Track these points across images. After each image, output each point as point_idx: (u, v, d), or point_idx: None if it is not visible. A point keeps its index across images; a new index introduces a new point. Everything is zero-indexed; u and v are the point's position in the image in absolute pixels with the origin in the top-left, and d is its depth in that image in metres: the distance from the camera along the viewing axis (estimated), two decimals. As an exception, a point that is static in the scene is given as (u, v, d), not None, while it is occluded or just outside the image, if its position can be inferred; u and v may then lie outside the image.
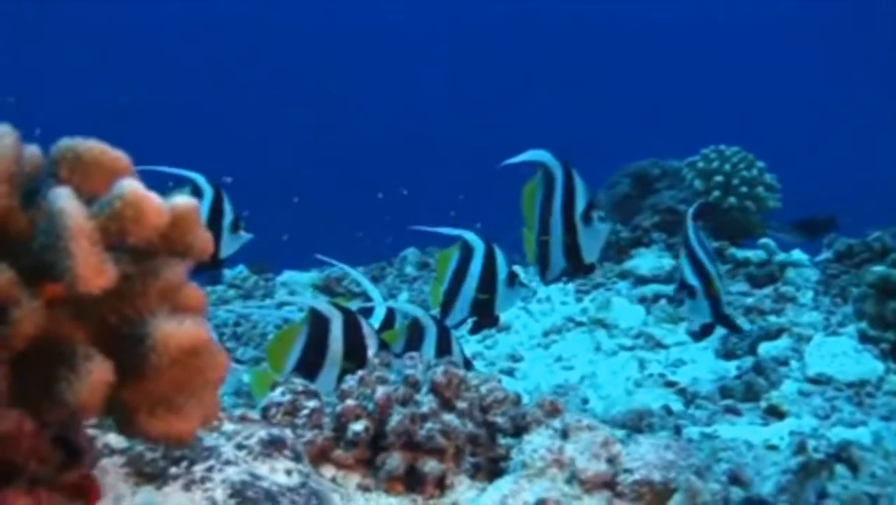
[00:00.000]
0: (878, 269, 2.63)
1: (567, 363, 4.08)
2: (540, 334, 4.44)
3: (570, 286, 5.00)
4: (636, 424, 2.79)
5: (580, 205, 2.46)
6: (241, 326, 4.63)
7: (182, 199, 0.77)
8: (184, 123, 11.71)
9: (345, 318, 2.07)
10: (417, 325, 2.35)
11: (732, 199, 5.33)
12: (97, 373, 0.66)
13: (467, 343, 4.50)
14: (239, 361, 4.19)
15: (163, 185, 2.59)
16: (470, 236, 2.58)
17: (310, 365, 2.07)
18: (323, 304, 2.15)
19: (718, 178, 5.33)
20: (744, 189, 5.34)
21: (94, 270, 0.65)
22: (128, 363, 0.69)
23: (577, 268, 2.56)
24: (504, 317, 4.63)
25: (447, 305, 2.60)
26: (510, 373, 4.03)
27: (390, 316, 2.54)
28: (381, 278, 5.55)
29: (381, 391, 1.48)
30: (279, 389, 1.52)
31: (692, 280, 2.61)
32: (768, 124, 11.40)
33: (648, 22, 13.88)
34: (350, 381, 1.54)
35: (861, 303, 2.63)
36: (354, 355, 2.04)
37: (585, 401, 3.36)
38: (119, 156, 0.73)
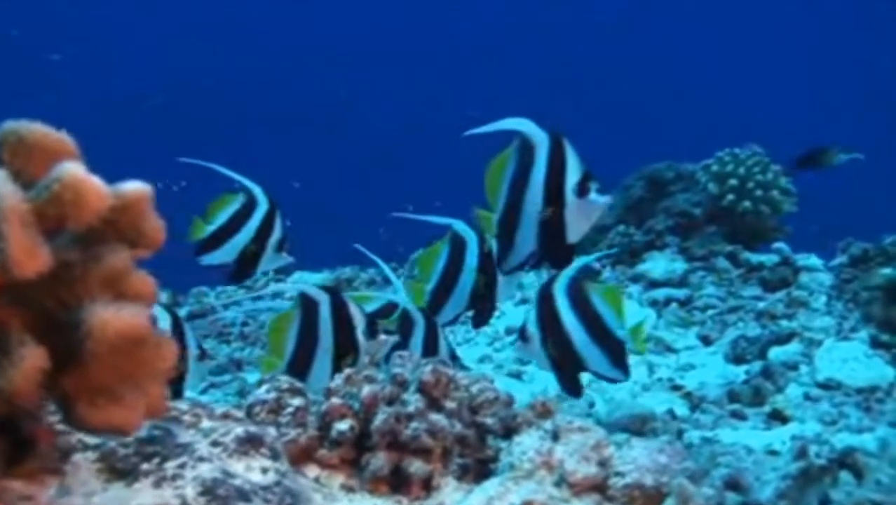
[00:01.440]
0: (886, 271, 2.58)
1: (575, 367, 4.03)
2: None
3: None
4: (639, 428, 2.76)
5: (573, 176, 2.04)
6: (249, 326, 4.62)
7: (133, 185, 0.74)
8: (187, 125, 11.75)
9: (332, 299, 2.15)
10: (407, 317, 2.32)
11: (747, 203, 5.27)
12: (30, 359, 0.64)
13: (476, 346, 4.48)
14: (237, 363, 4.17)
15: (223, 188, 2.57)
16: (460, 226, 2.47)
17: (305, 346, 2.15)
18: (311, 287, 2.20)
19: (733, 182, 5.27)
20: (759, 193, 5.28)
21: (26, 254, 0.62)
22: (66, 351, 0.67)
23: (552, 250, 2.12)
24: (514, 320, 4.61)
25: (437, 303, 2.52)
26: (518, 376, 3.99)
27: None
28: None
29: (367, 390, 1.46)
30: (264, 387, 1.50)
31: (532, 327, 2.43)
32: (785, 127, 11.33)
33: (666, 22, 13.82)
34: (337, 379, 1.51)
35: (868, 306, 2.58)
36: (344, 334, 2.11)
37: (591, 404, 3.33)
38: (62, 138, 0.70)
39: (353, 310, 2.18)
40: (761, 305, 4.50)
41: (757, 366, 3.59)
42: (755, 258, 5.07)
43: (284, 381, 1.50)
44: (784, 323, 4.18)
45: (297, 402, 1.47)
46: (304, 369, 2.19)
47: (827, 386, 3.32)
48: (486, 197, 2.18)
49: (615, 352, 2.41)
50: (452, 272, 2.53)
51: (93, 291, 0.67)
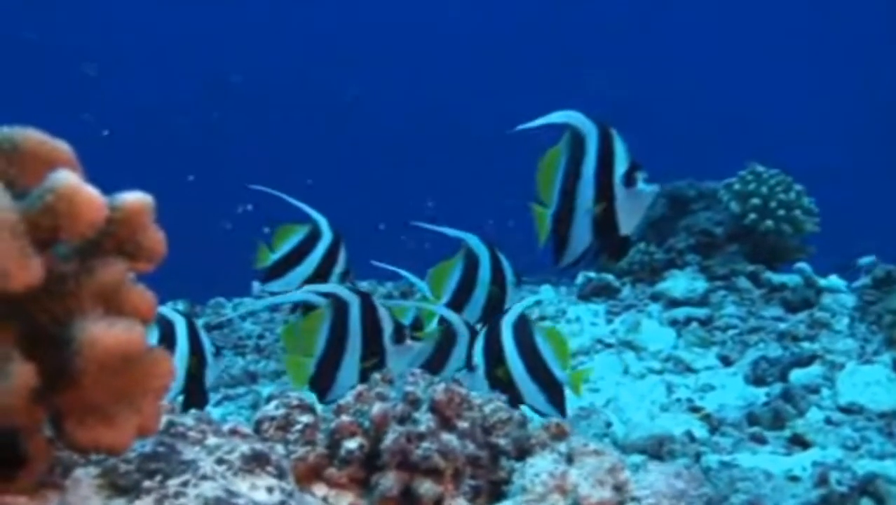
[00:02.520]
0: (910, 295, 2.54)
1: (594, 385, 4.00)
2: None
3: (602, 307, 4.92)
4: (657, 450, 2.71)
5: (620, 167, 2.04)
6: (265, 339, 4.60)
7: (133, 195, 0.72)
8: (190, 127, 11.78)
9: (362, 301, 2.21)
10: (450, 328, 2.35)
11: (769, 223, 5.22)
12: (19, 376, 0.61)
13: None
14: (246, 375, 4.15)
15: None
16: (473, 241, 2.50)
17: (335, 347, 2.20)
18: (343, 289, 2.25)
19: (755, 201, 5.22)
20: (781, 212, 5.23)
21: (16, 266, 0.60)
22: (58, 367, 0.64)
23: (609, 243, 2.12)
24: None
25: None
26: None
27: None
28: (411, 294, 5.49)
29: (377, 408, 1.42)
30: (273, 403, 1.47)
31: (478, 358, 2.43)
32: (809, 147, 11.26)
33: (691, 40, 13.77)
34: (348, 396, 1.48)
35: (891, 330, 2.53)
36: (372, 335, 2.18)
37: (609, 424, 3.28)
38: (57, 147, 0.68)
39: (382, 313, 2.23)
40: (783, 325, 4.44)
41: (777, 388, 3.54)
42: (777, 278, 5.02)
43: (294, 397, 1.47)
44: (806, 345, 4.13)
45: (306, 418, 1.44)
46: (331, 370, 2.22)
47: (849, 410, 3.27)
48: (538, 193, 2.16)
49: (552, 391, 2.40)
50: (466, 287, 2.55)
51: (85, 305, 0.65)
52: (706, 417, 3.26)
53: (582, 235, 2.12)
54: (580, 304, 5.02)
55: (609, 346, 4.39)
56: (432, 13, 15.01)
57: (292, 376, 2.32)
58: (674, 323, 4.56)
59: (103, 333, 0.62)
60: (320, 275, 2.54)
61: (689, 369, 4.06)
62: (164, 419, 1.25)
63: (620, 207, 2.06)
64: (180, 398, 2.42)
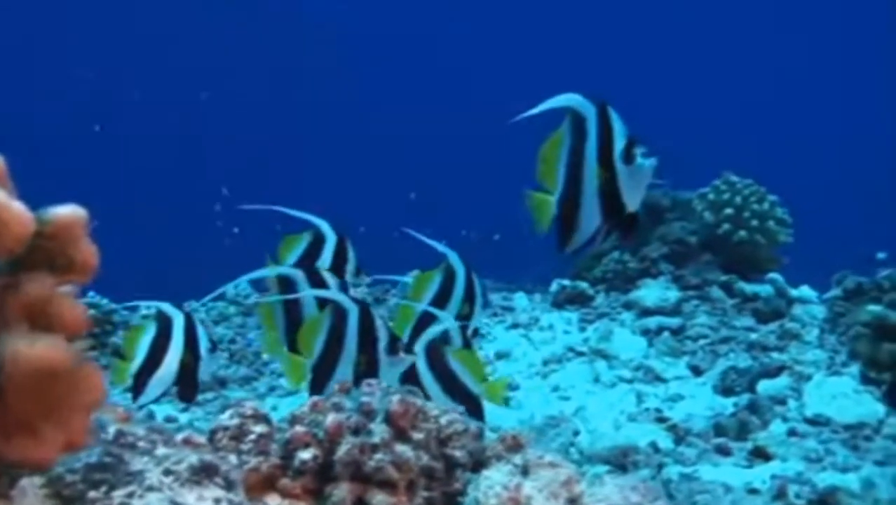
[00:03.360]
0: (874, 308, 2.55)
1: (564, 393, 4.00)
2: (539, 363, 4.36)
3: (575, 315, 4.93)
4: (620, 460, 2.72)
5: (619, 144, 2.00)
6: (236, 344, 4.58)
7: (65, 209, 0.71)
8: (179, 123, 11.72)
9: (360, 309, 2.27)
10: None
11: (743, 233, 5.24)
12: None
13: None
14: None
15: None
16: (454, 258, 2.57)
17: (332, 352, 2.28)
18: (344, 297, 2.31)
19: (729, 211, 5.24)
20: (754, 223, 5.25)
21: (-64, 281, 0.60)
22: (-19, 384, 0.64)
23: (617, 222, 2.07)
24: (504, 344, 4.59)
25: (423, 324, 2.58)
26: (506, 402, 3.96)
27: None
28: (384, 301, 5.49)
29: (331, 418, 1.42)
30: (228, 412, 1.46)
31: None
32: (785, 157, 11.32)
33: (667, 48, 13.81)
34: (303, 406, 1.48)
35: (855, 343, 2.54)
36: (367, 344, 2.25)
37: (576, 433, 3.29)
38: (-13, 160, 0.68)
39: (379, 324, 2.29)
40: (753, 336, 4.46)
41: (745, 399, 3.55)
42: (750, 288, 5.04)
43: (248, 406, 1.46)
44: (775, 355, 4.15)
45: (259, 428, 1.43)
46: (327, 373, 2.29)
47: (815, 422, 3.28)
48: (539, 179, 2.10)
49: (470, 405, 2.47)
50: (442, 298, 2.62)
51: (10, 321, 0.64)
52: (672, 428, 3.26)
53: (591, 217, 2.08)
54: (553, 311, 5.03)
55: (581, 354, 4.40)
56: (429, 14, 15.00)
57: (289, 374, 2.37)
58: (646, 332, 4.57)
59: (26, 349, 0.61)
60: (335, 273, 2.56)
61: (660, 379, 4.07)
62: (114, 429, 1.24)
63: (622, 184, 2.03)
64: (173, 389, 2.47)
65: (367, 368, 2.27)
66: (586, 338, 4.55)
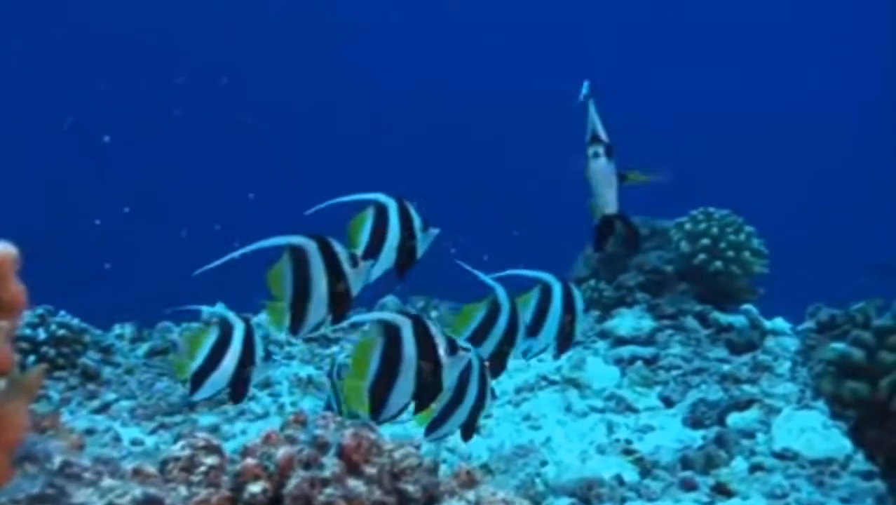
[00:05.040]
0: (838, 346, 2.56)
1: (535, 423, 3.99)
2: (512, 391, 4.35)
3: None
4: (585, 493, 2.71)
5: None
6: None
7: (-7, 247, 0.71)
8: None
9: (413, 322, 2.24)
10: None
11: (718, 263, 5.25)
12: None
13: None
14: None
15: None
16: (501, 293, 2.59)
17: (389, 368, 2.23)
18: (391, 314, 2.32)
19: (705, 241, 5.26)
20: (730, 253, 5.27)
21: None
22: None
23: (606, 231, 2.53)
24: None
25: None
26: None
27: None
28: (360, 325, 5.47)
29: (283, 451, 1.41)
30: (179, 443, 1.45)
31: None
32: (763, 187, 11.38)
33: (646, 76, 13.85)
34: (256, 438, 1.47)
35: (819, 380, 2.55)
36: (427, 355, 2.21)
37: (544, 463, 3.28)
38: None
39: (434, 330, 2.27)
40: (726, 367, 4.47)
41: (714, 431, 3.55)
42: (724, 318, 5.05)
43: (200, 437, 1.45)
44: (746, 388, 4.15)
45: (211, 460, 1.42)
46: (384, 393, 2.25)
47: (782, 456, 3.28)
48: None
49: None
50: (483, 332, 2.66)
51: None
52: (639, 461, 3.25)
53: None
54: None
55: (553, 382, 4.39)
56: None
57: (349, 399, 2.34)
58: (619, 361, 4.57)
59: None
60: (406, 234, 2.61)
61: (631, 409, 4.06)
62: (59, 459, 1.23)
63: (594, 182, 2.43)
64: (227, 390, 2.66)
65: (433, 376, 2.24)
66: (559, 366, 4.54)
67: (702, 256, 5.25)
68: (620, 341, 4.81)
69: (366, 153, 11.71)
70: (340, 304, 2.33)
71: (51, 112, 11.33)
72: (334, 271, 2.32)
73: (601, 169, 2.42)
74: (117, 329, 5.38)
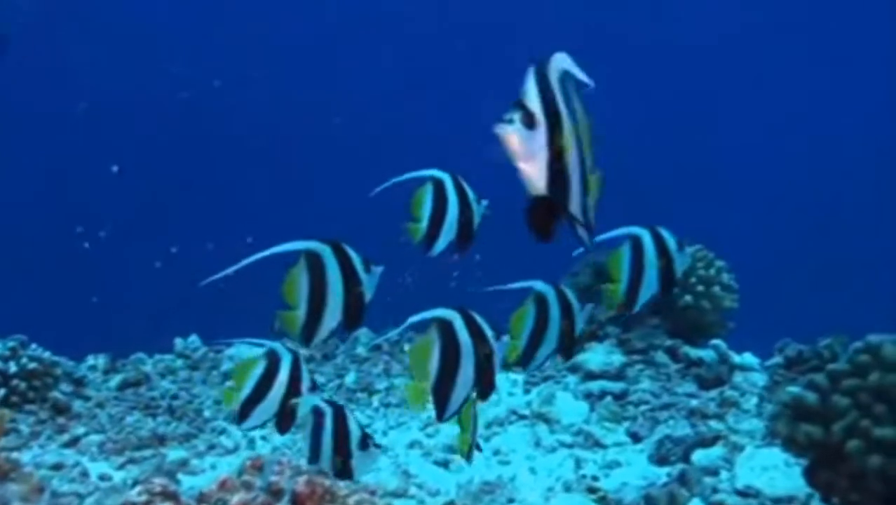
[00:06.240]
0: (793, 389, 2.60)
1: (504, 458, 4.02)
2: (482, 426, 4.37)
3: (521, 377, 4.95)
4: (547, 532, 2.73)
5: None
6: (178, 400, 4.57)
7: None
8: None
9: (462, 315, 2.26)
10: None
11: (688, 298, 5.30)
12: None
13: (408, 430, 4.45)
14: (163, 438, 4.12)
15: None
16: (540, 286, 2.60)
17: (449, 364, 2.25)
18: (443, 311, 2.30)
19: (676, 276, 5.30)
20: (700, 288, 5.32)
21: None
22: None
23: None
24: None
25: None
26: (445, 465, 3.97)
27: None
28: (332, 357, 5.49)
29: (237, 498, 1.44)
30: (136, 488, 1.48)
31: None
32: (736, 223, 11.46)
33: (621, 101, 13.89)
34: (212, 484, 1.50)
35: (775, 422, 2.59)
36: (480, 344, 2.24)
37: (511, 500, 3.30)
38: None
39: (481, 321, 2.29)
40: (694, 402, 4.50)
41: (678, 468, 3.58)
42: (695, 353, 5.09)
43: (157, 483, 1.48)
44: (713, 424, 4.19)
45: (166, 507, 1.45)
46: (447, 390, 2.26)
47: (745, 494, 3.32)
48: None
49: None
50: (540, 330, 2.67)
51: None
52: (602, 500, 3.29)
53: None
54: (500, 372, 5.04)
55: (523, 417, 4.42)
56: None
57: (410, 402, 2.33)
58: (588, 396, 4.61)
59: None
60: (466, 213, 2.64)
61: (599, 445, 4.10)
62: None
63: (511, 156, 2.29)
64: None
65: (486, 361, 2.26)
66: (529, 401, 4.58)
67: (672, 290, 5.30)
68: (590, 376, 4.84)
69: (366, 155, 11.72)
70: (355, 310, 2.34)
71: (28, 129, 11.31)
72: (350, 276, 2.33)
73: (517, 139, 1.96)
74: (90, 360, 5.38)
